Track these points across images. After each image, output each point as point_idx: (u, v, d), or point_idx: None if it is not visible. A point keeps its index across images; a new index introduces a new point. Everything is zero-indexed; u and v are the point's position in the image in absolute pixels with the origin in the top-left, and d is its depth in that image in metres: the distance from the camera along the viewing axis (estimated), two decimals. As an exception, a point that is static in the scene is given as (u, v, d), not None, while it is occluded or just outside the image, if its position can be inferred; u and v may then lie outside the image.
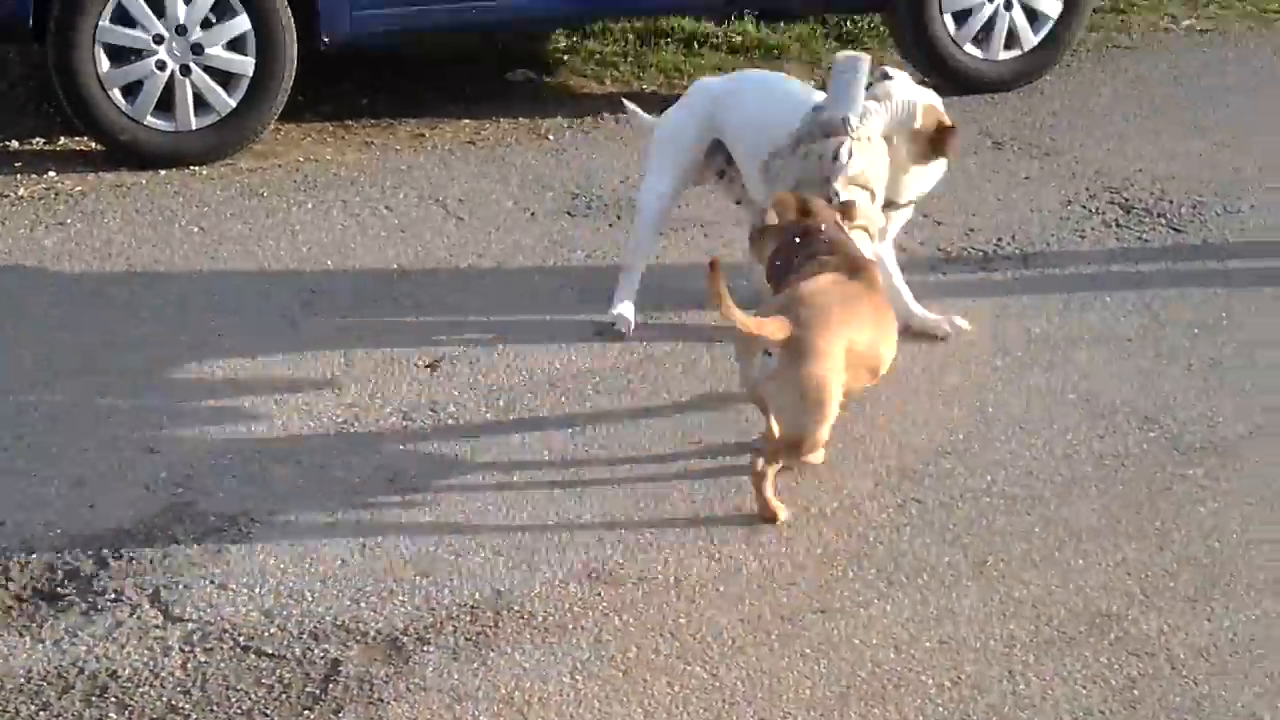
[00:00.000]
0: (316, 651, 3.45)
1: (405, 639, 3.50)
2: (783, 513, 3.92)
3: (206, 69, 6.09)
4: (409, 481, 4.11)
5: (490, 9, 6.61)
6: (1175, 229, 5.79)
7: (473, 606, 3.61)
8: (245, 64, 6.14)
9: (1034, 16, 7.16)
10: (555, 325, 4.97)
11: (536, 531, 3.89)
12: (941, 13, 7.01)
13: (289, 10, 6.16)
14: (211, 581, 3.68)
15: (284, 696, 3.32)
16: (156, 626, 3.53)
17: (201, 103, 6.13)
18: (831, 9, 7.72)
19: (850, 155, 4.27)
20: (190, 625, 3.54)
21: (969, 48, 7.05)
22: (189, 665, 3.41)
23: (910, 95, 4.56)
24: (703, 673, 3.41)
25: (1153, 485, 4.16)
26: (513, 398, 4.53)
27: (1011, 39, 7.16)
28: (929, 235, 5.63)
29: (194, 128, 6.14)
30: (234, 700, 3.31)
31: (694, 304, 5.04)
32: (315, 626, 3.53)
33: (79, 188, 6.00)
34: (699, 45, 7.61)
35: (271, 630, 3.52)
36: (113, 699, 3.31)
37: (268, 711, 3.28)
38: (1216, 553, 3.88)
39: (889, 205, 4.59)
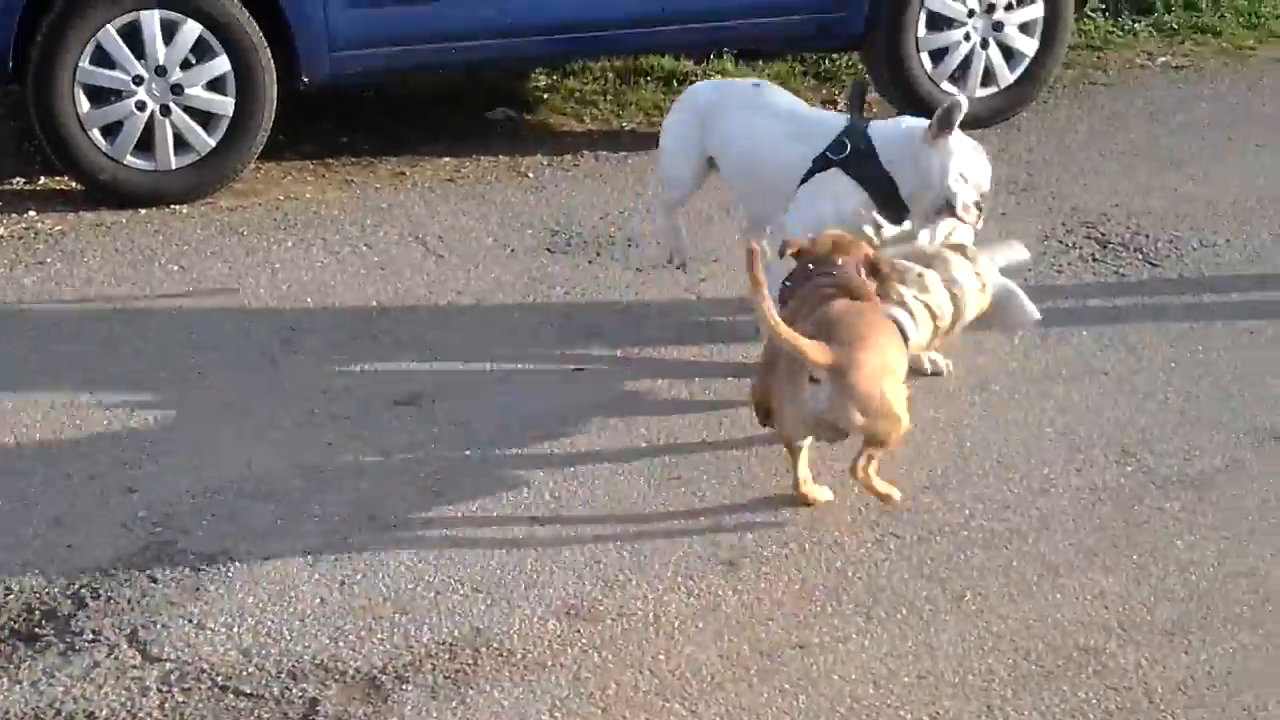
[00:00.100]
0: (295, 691, 3.44)
1: (384, 677, 3.49)
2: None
3: (186, 109, 6.11)
4: (388, 519, 4.10)
5: (470, 48, 6.63)
6: (1151, 263, 5.84)
7: (451, 644, 3.60)
8: (225, 104, 6.16)
9: (1010, 54, 7.23)
10: (534, 361, 4.99)
11: (515, 569, 3.89)
12: (918, 51, 7.07)
13: (269, 51, 6.19)
14: (190, 621, 3.67)
15: (262, 736, 3.31)
16: (134, 666, 3.52)
17: (181, 142, 6.14)
18: (809, 47, 7.78)
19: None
20: (168, 665, 3.52)
21: (946, 85, 7.09)
22: (167, 705, 3.40)
23: None
24: (682, 709, 3.41)
25: (1130, 519, 4.17)
26: (492, 434, 4.54)
27: (988, 77, 7.22)
28: (907, 271, 5.65)
29: (174, 167, 6.16)
30: (212, 740, 3.30)
31: (673, 341, 5.06)
32: (294, 665, 3.52)
33: (59, 227, 6.01)
34: (679, 83, 7.62)
35: (250, 669, 3.51)
36: (90, 739, 3.30)
37: (245, 751, 3.28)
38: (1194, 586, 3.89)
39: None
